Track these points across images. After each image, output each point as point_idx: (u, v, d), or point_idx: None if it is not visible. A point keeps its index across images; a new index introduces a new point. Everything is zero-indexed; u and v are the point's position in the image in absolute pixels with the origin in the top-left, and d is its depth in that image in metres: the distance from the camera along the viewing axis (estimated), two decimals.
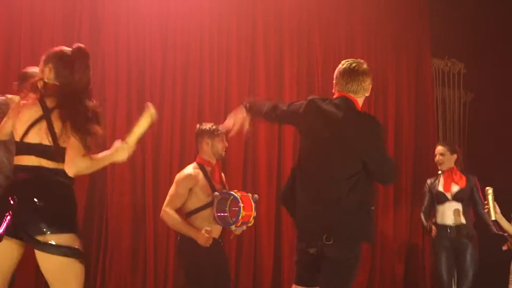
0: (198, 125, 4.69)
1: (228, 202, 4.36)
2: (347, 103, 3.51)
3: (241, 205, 4.27)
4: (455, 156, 5.81)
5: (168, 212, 4.44)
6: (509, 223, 5.02)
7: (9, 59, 5.63)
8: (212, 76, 6.34)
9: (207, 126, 4.65)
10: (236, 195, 4.33)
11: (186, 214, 4.54)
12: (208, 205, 4.45)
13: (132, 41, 6.05)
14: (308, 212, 3.49)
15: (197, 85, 6.25)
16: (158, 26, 6.16)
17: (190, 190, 4.47)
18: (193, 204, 4.49)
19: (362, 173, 3.43)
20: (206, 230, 4.33)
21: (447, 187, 5.75)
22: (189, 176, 4.52)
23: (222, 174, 4.73)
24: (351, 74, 3.55)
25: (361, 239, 3.52)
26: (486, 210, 5.01)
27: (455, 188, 5.72)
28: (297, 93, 6.56)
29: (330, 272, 3.43)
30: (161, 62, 6.14)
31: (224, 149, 4.63)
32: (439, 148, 5.89)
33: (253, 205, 4.37)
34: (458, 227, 5.66)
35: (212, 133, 4.57)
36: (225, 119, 6.15)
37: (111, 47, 5.96)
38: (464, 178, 5.74)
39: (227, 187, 4.71)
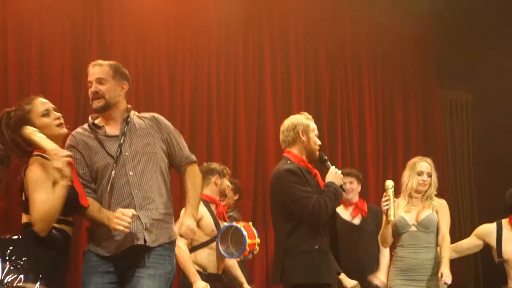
0: (205, 163, 4.78)
1: (230, 233, 4.40)
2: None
3: (245, 233, 4.30)
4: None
5: (180, 248, 4.33)
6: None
7: (21, 79, 5.67)
8: (219, 100, 6.48)
9: (215, 165, 4.82)
10: (238, 225, 4.38)
11: (191, 249, 4.54)
12: (212, 240, 4.48)
13: (139, 59, 6.15)
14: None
15: (205, 109, 6.40)
16: (165, 46, 6.27)
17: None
18: (198, 239, 4.50)
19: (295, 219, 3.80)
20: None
21: None
22: None
23: (225, 214, 4.84)
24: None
25: (294, 281, 3.75)
26: (385, 207, 4.20)
27: None
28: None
29: None
30: (168, 88, 6.26)
31: (229, 189, 4.90)
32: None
33: (256, 232, 4.42)
34: None
35: (222, 172, 4.75)
36: (234, 136, 6.32)
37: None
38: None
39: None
